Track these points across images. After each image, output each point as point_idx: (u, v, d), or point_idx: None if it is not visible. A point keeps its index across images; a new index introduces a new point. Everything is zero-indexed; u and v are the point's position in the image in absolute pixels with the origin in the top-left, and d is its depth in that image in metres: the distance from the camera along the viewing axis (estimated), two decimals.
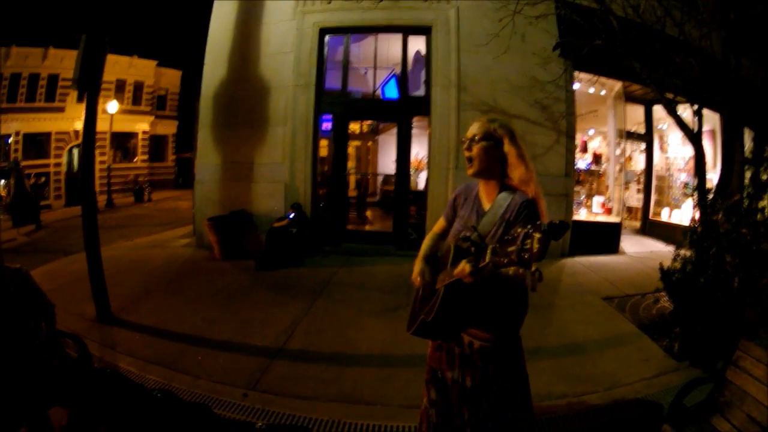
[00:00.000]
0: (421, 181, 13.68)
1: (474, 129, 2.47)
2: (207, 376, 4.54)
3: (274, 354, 5.05)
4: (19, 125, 26.75)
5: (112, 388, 3.28)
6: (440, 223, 2.83)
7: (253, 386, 4.36)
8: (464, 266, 2.02)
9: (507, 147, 2.40)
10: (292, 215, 9.26)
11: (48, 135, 27.84)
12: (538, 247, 1.59)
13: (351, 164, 15.72)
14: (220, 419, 3.58)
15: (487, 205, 2.47)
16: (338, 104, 10.38)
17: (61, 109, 27.81)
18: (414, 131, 10.41)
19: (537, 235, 1.60)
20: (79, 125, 27.17)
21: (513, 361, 2.51)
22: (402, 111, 10.29)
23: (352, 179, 15.32)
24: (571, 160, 9.65)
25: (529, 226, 1.66)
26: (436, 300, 2.30)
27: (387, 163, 15.61)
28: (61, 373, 3.14)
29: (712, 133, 10.07)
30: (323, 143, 11.04)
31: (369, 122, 16.56)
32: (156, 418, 3.13)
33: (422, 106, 9.91)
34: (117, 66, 29.19)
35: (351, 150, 15.19)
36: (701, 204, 5.53)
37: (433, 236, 2.84)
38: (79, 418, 2.98)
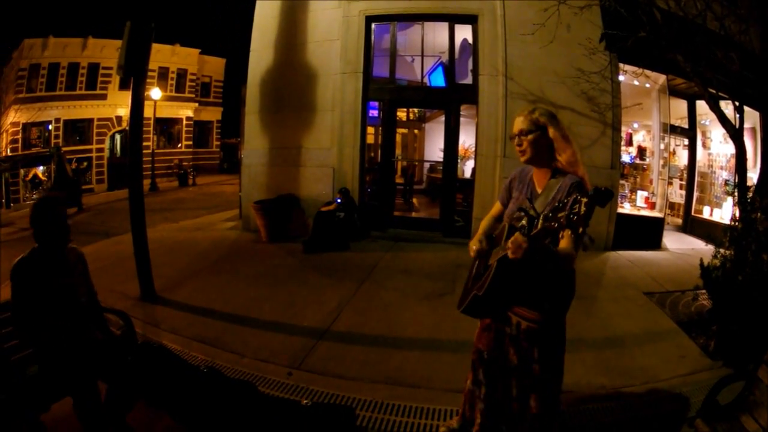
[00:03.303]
0: (467, 169, 13.71)
1: (519, 124, 2.59)
2: (252, 355, 4.63)
3: (319, 335, 5.11)
4: (59, 112, 27.51)
5: (159, 363, 3.39)
6: (496, 207, 2.96)
7: (298, 365, 4.43)
8: (517, 236, 2.12)
9: (552, 133, 2.52)
10: (339, 200, 9.38)
11: (90, 121, 28.55)
12: (585, 210, 1.76)
13: (398, 151, 15.83)
14: (265, 396, 3.66)
15: (539, 188, 2.60)
16: (386, 91, 10.46)
17: (103, 97, 28.51)
18: (461, 119, 10.42)
19: (584, 200, 1.77)
20: (121, 111, 28.00)
21: (556, 347, 2.60)
22: (449, 99, 10.31)
23: (399, 166, 15.40)
24: (616, 152, 9.54)
25: (576, 194, 1.85)
26: (489, 274, 2.40)
27: (434, 150, 15.68)
28: (106, 347, 3.19)
29: (753, 131, 9.90)
30: (370, 130, 11.17)
31: (416, 110, 16.67)
32: (203, 392, 3.21)
33: (469, 95, 9.90)
34: (159, 54, 29.63)
35: (398, 137, 15.24)
36: (741, 202, 5.44)
37: (490, 218, 2.96)
38: (120, 392, 3.05)
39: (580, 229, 1.82)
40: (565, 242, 2.29)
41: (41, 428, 2.87)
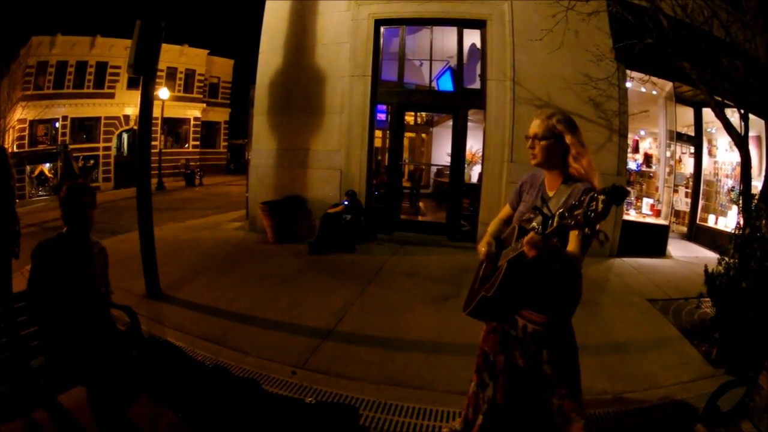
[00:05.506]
0: (474, 173, 13.78)
1: (535, 127, 2.54)
2: (256, 353, 4.63)
3: (324, 335, 5.12)
4: (66, 110, 27.68)
5: (164, 358, 3.41)
6: (505, 210, 2.93)
7: (302, 365, 4.43)
8: (531, 234, 2.11)
9: (569, 140, 2.47)
10: (346, 202, 9.41)
11: (97, 120, 28.69)
12: (602, 207, 1.75)
13: (405, 155, 15.74)
14: (269, 394, 3.69)
15: (550, 193, 2.56)
16: (394, 95, 10.52)
17: (111, 96, 28.68)
18: (469, 124, 10.43)
19: (601, 197, 1.76)
20: (128, 111, 28.17)
21: (565, 347, 2.57)
22: (457, 103, 10.34)
23: (406, 170, 15.45)
24: (623, 159, 9.55)
25: (593, 192, 1.83)
26: (499, 275, 2.40)
27: (441, 155, 15.84)
28: (114, 342, 3.21)
29: (758, 139, 9.89)
30: (378, 133, 11.21)
31: (424, 114, 16.79)
32: (207, 389, 3.24)
33: (477, 99, 9.93)
34: (168, 54, 29.76)
35: (405, 141, 15.19)
36: (746, 209, 5.43)
37: (498, 221, 2.94)
38: (123, 387, 3.05)
39: (597, 226, 1.83)
40: (573, 244, 2.28)
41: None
